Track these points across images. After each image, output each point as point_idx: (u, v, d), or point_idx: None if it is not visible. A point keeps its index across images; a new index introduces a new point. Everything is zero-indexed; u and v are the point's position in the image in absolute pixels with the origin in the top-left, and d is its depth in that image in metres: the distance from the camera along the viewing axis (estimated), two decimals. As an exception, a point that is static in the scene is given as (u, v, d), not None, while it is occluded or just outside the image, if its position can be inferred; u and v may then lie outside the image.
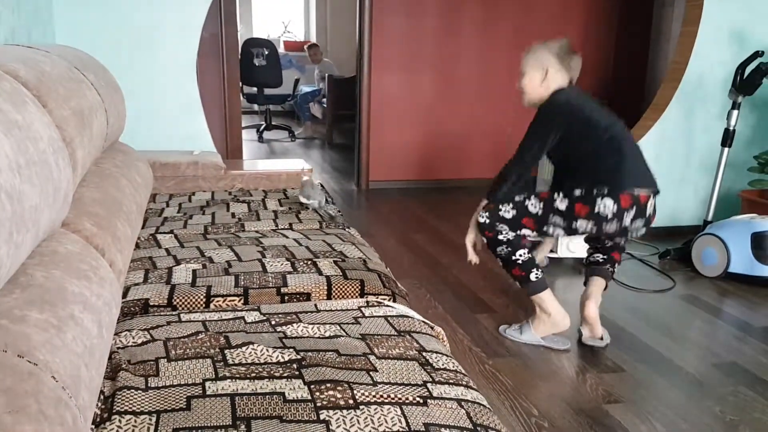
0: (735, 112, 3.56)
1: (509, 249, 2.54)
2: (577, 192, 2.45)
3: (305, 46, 8.45)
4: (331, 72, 7.93)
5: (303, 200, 2.63)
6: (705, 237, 3.47)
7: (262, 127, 7.63)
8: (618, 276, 3.41)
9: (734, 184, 4.06)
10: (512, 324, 2.76)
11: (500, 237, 2.53)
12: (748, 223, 3.33)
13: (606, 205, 2.40)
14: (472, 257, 2.65)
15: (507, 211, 2.53)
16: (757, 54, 3.49)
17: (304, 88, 8.12)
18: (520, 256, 2.55)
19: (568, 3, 5.44)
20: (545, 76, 2.62)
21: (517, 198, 2.54)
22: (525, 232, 2.56)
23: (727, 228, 3.39)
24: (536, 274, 2.56)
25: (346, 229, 2.39)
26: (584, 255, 3.48)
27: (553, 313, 2.60)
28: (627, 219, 2.43)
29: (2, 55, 1.39)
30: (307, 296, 1.78)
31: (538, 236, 2.73)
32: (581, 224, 2.47)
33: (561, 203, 2.47)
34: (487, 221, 2.54)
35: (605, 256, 2.73)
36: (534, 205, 2.52)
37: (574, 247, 3.47)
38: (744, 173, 4.00)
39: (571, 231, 2.53)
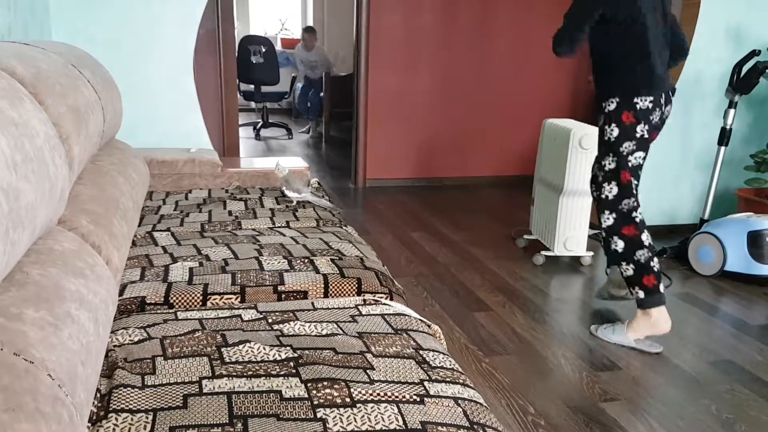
0: (732, 111, 3.57)
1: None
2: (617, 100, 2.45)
3: (302, 29, 8.15)
4: (325, 62, 7.79)
5: (290, 195, 2.64)
6: (701, 235, 3.48)
7: (259, 125, 7.62)
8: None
9: (731, 183, 4.07)
10: (604, 324, 2.74)
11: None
12: (744, 222, 3.33)
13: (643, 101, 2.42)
14: None
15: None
16: (754, 53, 3.49)
17: (300, 85, 8.10)
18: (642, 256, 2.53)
19: None
20: None
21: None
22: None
23: (723, 226, 3.40)
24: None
25: (343, 227, 2.39)
26: (581, 253, 3.49)
27: (655, 315, 2.55)
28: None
29: (-2, 52, 1.39)
30: (304, 294, 1.78)
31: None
32: (640, 130, 2.45)
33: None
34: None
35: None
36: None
37: (572, 245, 3.48)
38: (741, 171, 4.01)
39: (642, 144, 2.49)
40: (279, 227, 2.33)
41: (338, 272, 1.86)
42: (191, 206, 2.57)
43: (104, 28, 3.20)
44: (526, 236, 3.81)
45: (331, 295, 1.80)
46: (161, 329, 1.44)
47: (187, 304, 1.68)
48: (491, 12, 5.23)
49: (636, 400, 2.26)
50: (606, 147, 2.52)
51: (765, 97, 4.01)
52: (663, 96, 2.48)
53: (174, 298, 1.68)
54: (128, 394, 1.17)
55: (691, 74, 4.01)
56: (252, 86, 7.31)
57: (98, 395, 1.17)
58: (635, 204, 2.53)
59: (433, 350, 1.42)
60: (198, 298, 1.70)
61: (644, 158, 2.53)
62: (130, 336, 1.41)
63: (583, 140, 3.31)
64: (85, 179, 1.71)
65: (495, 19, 5.24)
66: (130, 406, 1.14)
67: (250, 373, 1.26)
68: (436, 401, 1.21)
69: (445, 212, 4.57)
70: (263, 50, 7.01)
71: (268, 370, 1.27)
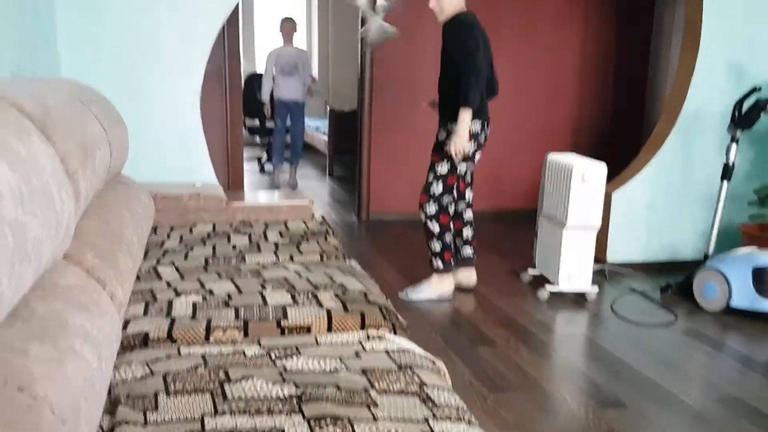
0: (734, 146, 3.59)
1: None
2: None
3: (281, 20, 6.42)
4: (305, 63, 6.38)
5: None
6: (706, 271, 3.46)
7: (264, 159, 7.68)
8: (620, 310, 3.40)
9: (734, 218, 4.06)
10: (410, 286, 3.56)
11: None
12: (749, 257, 3.32)
13: (475, 125, 3.26)
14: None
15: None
16: (755, 89, 3.53)
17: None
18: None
19: (565, 31, 5.50)
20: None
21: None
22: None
23: (728, 262, 3.39)
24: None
25: (347, 261, 2.39)
26: (586, 289, 3.48)
27: (446, 279, 3.51)
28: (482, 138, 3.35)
29: (8, 88, 1.41)
30: (308, 329, 1.77)
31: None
32: (470, 147, 3.27)
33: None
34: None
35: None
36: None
37: (576, 280, 3.47)
38: (743, 207, 4.01)
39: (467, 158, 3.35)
40: (283, 261, 2.33)
41: (342, 307, 1.86)
42: (196, 240, 2.57)
43: (112, 64, 3.25)
44: (530, 271, 3.80)
45: (334, 329, 1.79)
46: (164, 365, 1.43)
47: (190, 339, 1.68)
48: (492, 47, 5.29)
49: (643, 438, 2.22)
50: (443, 156, 3.35)
51: (766, 133, 4.04)
52: (487, 121, 3.34)
53: (177, 333, 1.67)
54: (130, 431, 1.16)
55: (692, 110, 4.04)
56: (257, 121, 7.38)
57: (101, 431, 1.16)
58: (452, 200, 3.45)
59: (438, 387, 1.41)
60: (201, 333, 1.69)
61: (471, 169, 3.50)
62: (132, 371, 1.40)
63: (586, 174, 3.32)
64: (91, 213, 1.72)
65: (496, 55, 5.29)
66: (132, 443, 1.13)
67: (253, 410, 1.25)
68: (441, 439, 1.20)
69: (449, 247, 4.56)
70: (268, 87, 7.04)
71: (271, 408, 1.26)
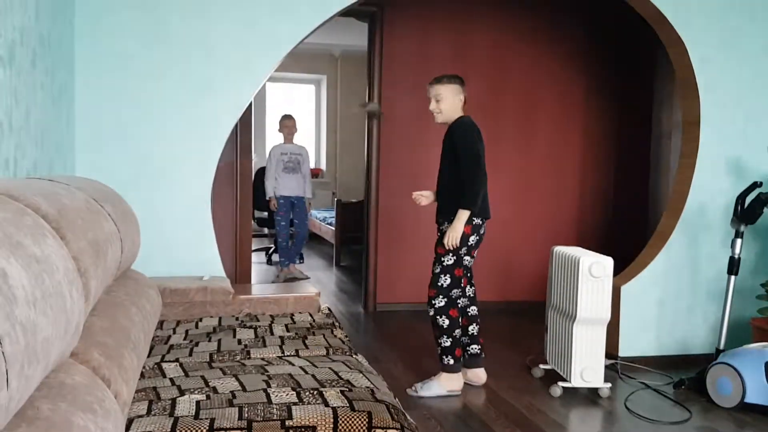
0: (738, 241, 3.60)
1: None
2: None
3: (281, 117, 6.54)
4: (306, 158, 6.46)
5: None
6: (718, 366, 3.40)
7: (272, 250, 7.73)
8: (634, 407, 3.32)
9: (744, 312, 4.03)
10: (419, 383, 3.45)
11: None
12: (761, 352, 3.27)
13: (477, 220, 3.35)
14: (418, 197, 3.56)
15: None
16: (756, 184, 3.58)
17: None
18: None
19: (567, 129, 5.65)
20: (462, 102, 3.40)
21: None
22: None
23: (740, 357, 3.33)
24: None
25: (354, 356, 2.37)
26: (599, 385, 3.41)
27: (456, 376, 3.44)
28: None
29: (25, 189, 1.46)
30: (313, 429, 1.74)
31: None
32: (473, 240, 3.37)
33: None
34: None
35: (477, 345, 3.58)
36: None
37: (589, 376, 3.40)
38: (752, 300, 3.98)
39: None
40: (288, 356, 2.31)
41: (348, 405, 1.83)
42: (201, 335, 2.56)
43: (126, 163, 3.33)
44: (542, 366, 3.74)
45: (340, 429, 1.76)
46: (166, 467, 1.40)
47: (193, 439, 1.64)
48: (494, 143, 5.43)
49: None
50: (447, 248, 3.34)
51: (771, 226, 4.07)
52: (487, 218, 3.44)
53: (180, 433, 1.64)
54: None
55: (696, 206, 4.09)
56: (266, 213, 7.48)
57: None
58: (460, 293, 3.46)
59: (446, 491, 1.37)
60: (204, 433, 1.66)
61: (470, 264, 3.51)
62: (133, 474, 1.37)
63: (593, 268, 3.32)
64: (99, 310, 1.73)
65: (498, 150, 5.42)
66: None
67: None
68: None
69: (456, 340, 4.50)
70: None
71: None
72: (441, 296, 3.37)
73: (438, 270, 3.39)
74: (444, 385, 3.40)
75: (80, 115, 3.27)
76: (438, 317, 3.37)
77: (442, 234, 3.42)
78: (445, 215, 3.43)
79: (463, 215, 3.24)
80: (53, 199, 1.52)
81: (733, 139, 4.10)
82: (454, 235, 3.25)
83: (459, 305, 3.44)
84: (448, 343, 3.37)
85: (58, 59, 2.90)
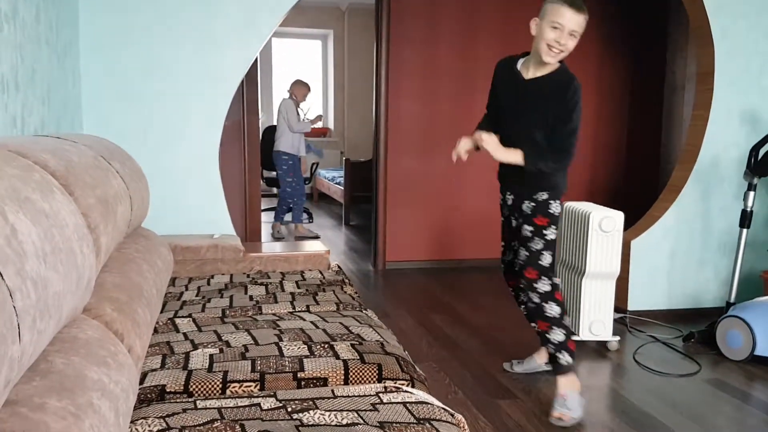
0: (751, 194, 3.56)
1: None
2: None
3: (293, 82, 6.78)
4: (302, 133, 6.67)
5: None
6: (729, 319, 3.40)
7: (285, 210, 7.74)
8: (643, 360, 3.34)
9: (756, 265, 4.01)
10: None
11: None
12: (772, 305, 3.27)
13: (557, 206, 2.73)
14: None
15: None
16: (770, 136, 3.52)
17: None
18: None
19: (578, 77, 5.56)
20: None
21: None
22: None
23: (751, 310, 3.33)
24: None
25: (364, 311, 2.39)
26: (608, 338, 3.43)
27: (573, 375, 2.71)
28: None
29: (33, 146, 1.45)
30: (324, 381, 1.76)
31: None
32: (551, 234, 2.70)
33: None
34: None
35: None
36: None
37: (597, 330, 3.41)
38: (764, 254, 3.97)
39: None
40: (299, 311, 2.33)
41: (359, 358, 1.85)
42: (213, 291, 2.58)
43: (134, 121, 3.33)
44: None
45: (351, 381, 1.78)
46: (180, 419, 1.42)
47: (207, 392, 1.67)
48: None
49: (670, 494, 2.15)
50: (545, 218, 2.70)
51: (785, 178, 4.02)
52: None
53: (194, 387, 1.67)
54: (145, 487, 1.15)
55: (708, 158, 4.04)
56: (274, 173, 7.46)
57: (115, 488, 1.15)
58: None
59: (456, 441, 1.39)
60: (218, 386, 1.69)
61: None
62: (149, 426, 1.39)
63: (603, 223, 3.31)
64: (111, 267, 1.74)
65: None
66: (147, 500, 1.11)
67: (269, 465, 1.23)
68: (460, 496, 1.17)
69: (466, 294, 4.53)
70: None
71: (288, 462, 1.24)
72: (544, 278, 2.62)
73: (540, 246, 2.64)
74: (575, 395, 2.64)
75: (88, 74, 3.25)
76: (545, 305, 2.61)
77: (533, 209, 2.69)
78: (529, 186, 2.70)
79: (518, 159, 2.56)
80: (61, 155, 1.51)
81: (747, 89, 4.02)
82: (498, 152, 2.59)
83: (560, 288, 2.71)
84: (561, 337, 2.61)
85: (63, 13, 2.86)
